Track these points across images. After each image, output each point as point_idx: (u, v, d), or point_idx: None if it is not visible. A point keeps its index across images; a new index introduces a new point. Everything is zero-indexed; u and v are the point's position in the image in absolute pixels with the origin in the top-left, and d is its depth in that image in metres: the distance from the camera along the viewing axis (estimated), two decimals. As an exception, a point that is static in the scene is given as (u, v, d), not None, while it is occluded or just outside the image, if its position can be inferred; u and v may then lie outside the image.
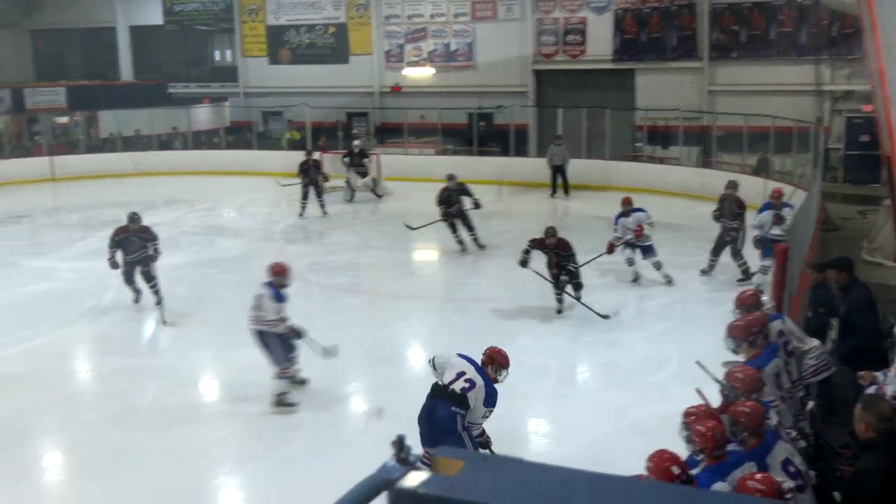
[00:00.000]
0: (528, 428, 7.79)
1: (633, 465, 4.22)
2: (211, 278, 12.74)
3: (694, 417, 4.46)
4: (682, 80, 21.96)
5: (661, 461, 4.00)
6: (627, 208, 11.66)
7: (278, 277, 7.86)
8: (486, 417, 6.04)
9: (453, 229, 13.96)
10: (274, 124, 26.76)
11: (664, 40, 22.25)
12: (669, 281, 11.68)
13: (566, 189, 19.22)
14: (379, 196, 19.26)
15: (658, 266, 11.70)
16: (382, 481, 1.67)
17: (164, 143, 25.46)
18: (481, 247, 14.08)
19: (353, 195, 18.95)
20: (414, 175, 21.15)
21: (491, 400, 5.97)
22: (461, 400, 5.87)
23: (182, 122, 25.57)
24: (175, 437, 7.36)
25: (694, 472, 4.17)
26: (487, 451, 6.01)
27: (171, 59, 29.33)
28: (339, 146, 22.40)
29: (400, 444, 1.65)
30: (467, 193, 14.03)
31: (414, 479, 1.66)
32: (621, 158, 21.00)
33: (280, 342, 7.76)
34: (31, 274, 12.96)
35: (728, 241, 11.91)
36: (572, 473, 1.72)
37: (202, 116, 27.58)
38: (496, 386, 6.04)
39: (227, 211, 18.76)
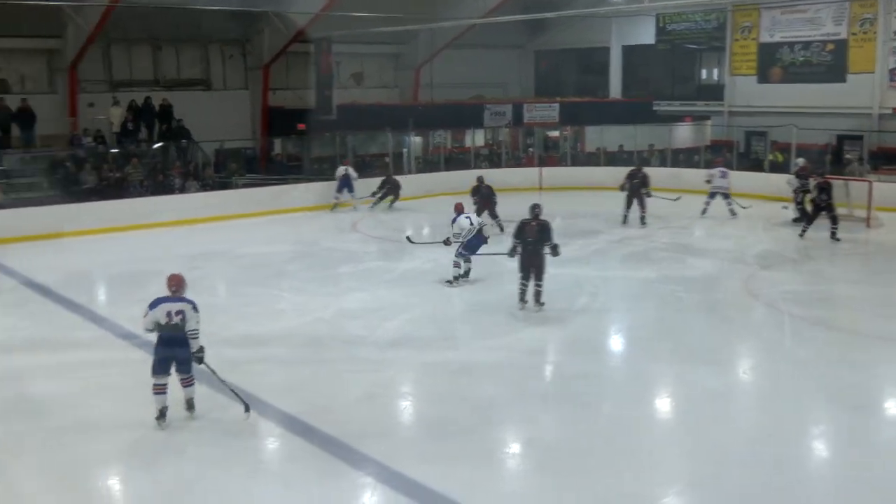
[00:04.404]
0: None
1: None
2: (677, 296, 12.75)
3: None
4: None
5: None
6: None
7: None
8: (199, 324, 7.82)
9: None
10: (756, 145, 25.92)
11: None
12: None
13: None
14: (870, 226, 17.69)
15: None
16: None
17: (644, 159, 26.02)
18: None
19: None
20: (913, 206, 19.02)
21: (196, 308, 7.82)
22: (182, 326, 7.72)
23: (663, 139, 25.95)
24: (630, 444, 7.51)
25: None
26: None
27: (658, 78, 29.90)
28: (827, 170, 20.97)
29: None
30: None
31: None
32: None
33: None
34: (513, 273, 14.03)
35: None
36: None
37: (683, 134, 27.70)
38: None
39: (699, 230, 18.61)
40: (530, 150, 27.93)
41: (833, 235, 16.50)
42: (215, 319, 11.47)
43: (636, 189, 18.54)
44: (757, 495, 6.68)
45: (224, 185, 21.58)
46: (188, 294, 8.00)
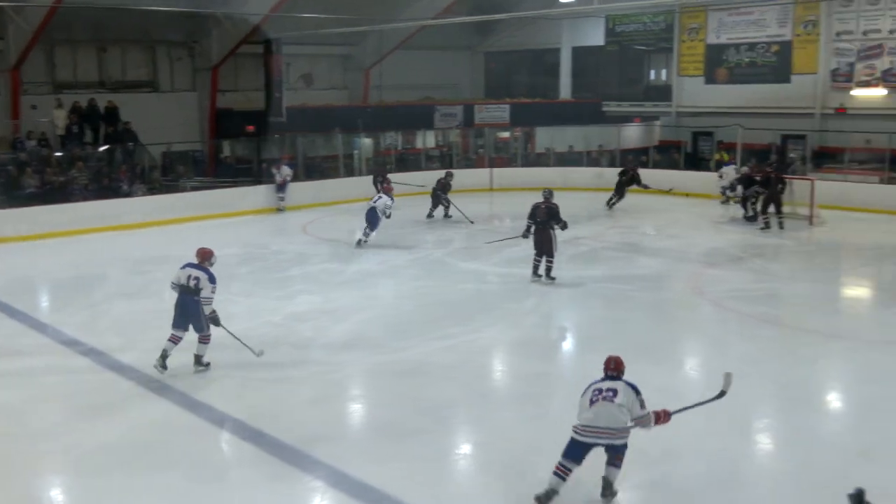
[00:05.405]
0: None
1: None
2: (626, 295, 12.87)
3: None
4: None
5: None
6: None
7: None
8: (214, 293, 9.13)
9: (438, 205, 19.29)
10: (703, 145, 26.29)
11: None
12: None
13: None
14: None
15: None
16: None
17: (593, 160, 26.28)
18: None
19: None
20: (852, 204, 19.49)
21: (213, 279, 9.12)
22: (196, 291, 9.04)
23: (612, 139, 26.20)
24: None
25: None
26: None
27: (607, 79, 30.18)
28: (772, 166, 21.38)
29: (859, 498, 1.53)
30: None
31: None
32: None
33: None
34: (463, 275, 14.17)
35: None
36: None
37: (632, 135, 27.97)
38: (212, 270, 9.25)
39: (648, 229, 18.83)
40: (480, 150, 27.98)
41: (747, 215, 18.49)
42: (163, 326, 11.30)
43: (623, 183, 20.71)
44: (703, 490, 6.79)
45: (172, 189, 21.28)
46: (215, 269, 9.34)
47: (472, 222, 18.66)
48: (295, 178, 21.60)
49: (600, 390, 6.51)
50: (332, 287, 13.39)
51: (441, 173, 20.17)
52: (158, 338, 10.63)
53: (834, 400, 9.23)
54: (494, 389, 9.41)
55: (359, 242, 16.13)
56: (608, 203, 20.74)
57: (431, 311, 11.96)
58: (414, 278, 14.17)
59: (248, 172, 23.80)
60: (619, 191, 20.75)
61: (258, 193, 21.24)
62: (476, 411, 8.50)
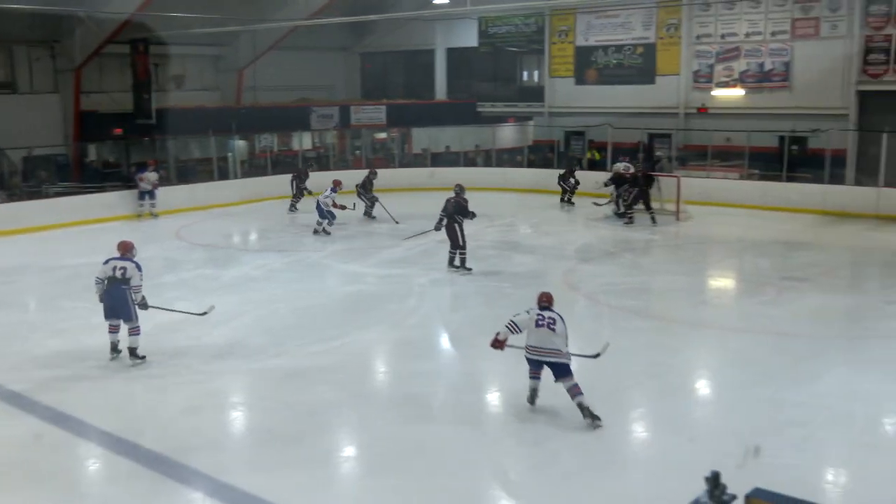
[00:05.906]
0: (824, 477, 7.17)
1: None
2: (504, 292, 13.08)
3: None
4: None
5: None
6: None
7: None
8: (142, 280, 9.57)
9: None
10: (575, 144, 27.01)
11: None
12: None
13: None
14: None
15: None
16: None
17: (470, 159, 26.61)
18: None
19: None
20: (715, 199, 20.44)
21: (139, 268, 9.59)
22: (124, 280, 9.44)
23: (488, 140, 26.57)
24: (464, 440, 7.63)
25: None
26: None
27: (481, 80, 30.58)
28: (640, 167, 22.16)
29: (715, 481, 1.59)
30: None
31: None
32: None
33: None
34: (342, 277, 14.12)
35: None
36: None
37: (507, 135, 28.45)
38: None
39: (523, 227, 19.20)
40: (357, 151, 27.90)
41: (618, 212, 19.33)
42: (28, 337, 10.87)
43: (562, 177, 21.84)
44: (580, 475, 6.99)
45: (34, 195, 20.32)
46: (138, 258, 9.80)
47: (397, 222, 18.66)
48: (167, 182, 21.01)
49: (543, 317, 7.91)
50: (208, 293, 13.04)
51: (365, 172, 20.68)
52: (23, 350, 10.25)
53: (702, 387, 9.63)
54: (376, 391, 9.41)
55: (316, 231, 17.60)
56: (565, 201, 21.57)
57: (310, 315, 11.86)
58: (292, 281, 14.02)
59: (116, 177, 22.99)
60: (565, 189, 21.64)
61: (127, 198, 20.53)
62: (358, 413, 8.48)
